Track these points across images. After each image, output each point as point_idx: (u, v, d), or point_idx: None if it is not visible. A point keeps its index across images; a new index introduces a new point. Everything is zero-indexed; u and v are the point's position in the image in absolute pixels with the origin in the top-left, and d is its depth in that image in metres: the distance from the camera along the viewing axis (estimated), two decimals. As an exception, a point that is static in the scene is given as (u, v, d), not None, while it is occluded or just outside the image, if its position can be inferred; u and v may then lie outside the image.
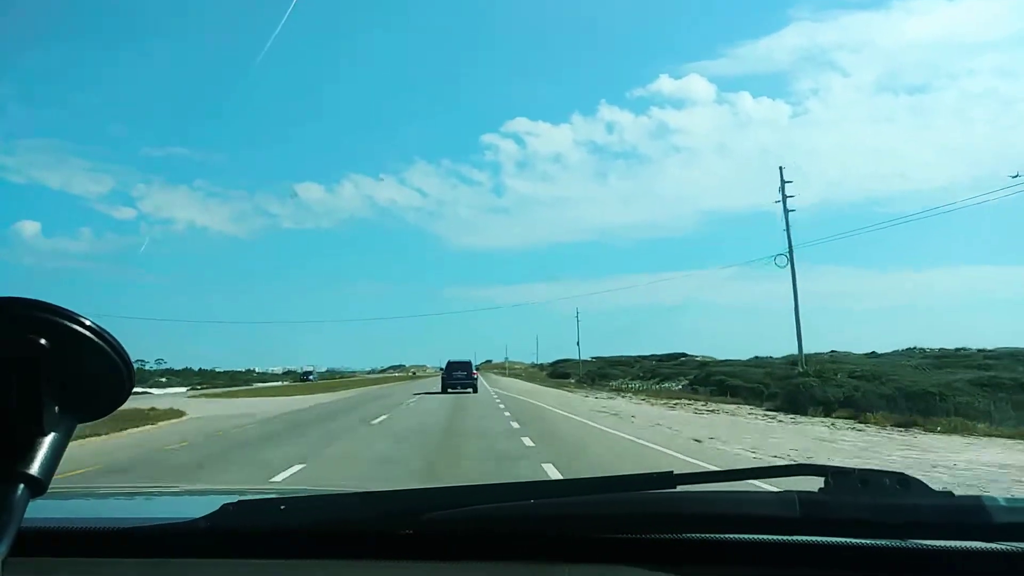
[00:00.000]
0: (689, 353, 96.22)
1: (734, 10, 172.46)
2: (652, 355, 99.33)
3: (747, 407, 24.72)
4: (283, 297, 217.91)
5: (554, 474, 9.15)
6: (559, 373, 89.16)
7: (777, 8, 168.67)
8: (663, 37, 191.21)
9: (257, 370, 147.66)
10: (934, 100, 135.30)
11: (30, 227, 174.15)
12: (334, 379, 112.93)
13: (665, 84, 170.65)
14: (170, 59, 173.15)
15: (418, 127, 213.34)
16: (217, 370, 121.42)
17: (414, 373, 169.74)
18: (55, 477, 0.66)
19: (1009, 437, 13.37)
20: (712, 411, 22.68)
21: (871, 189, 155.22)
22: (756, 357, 70.71)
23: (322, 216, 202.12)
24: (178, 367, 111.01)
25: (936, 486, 1.09)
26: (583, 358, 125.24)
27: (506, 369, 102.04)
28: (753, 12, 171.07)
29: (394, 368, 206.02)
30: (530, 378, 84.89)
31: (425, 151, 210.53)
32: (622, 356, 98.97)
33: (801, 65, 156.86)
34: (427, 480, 8.67)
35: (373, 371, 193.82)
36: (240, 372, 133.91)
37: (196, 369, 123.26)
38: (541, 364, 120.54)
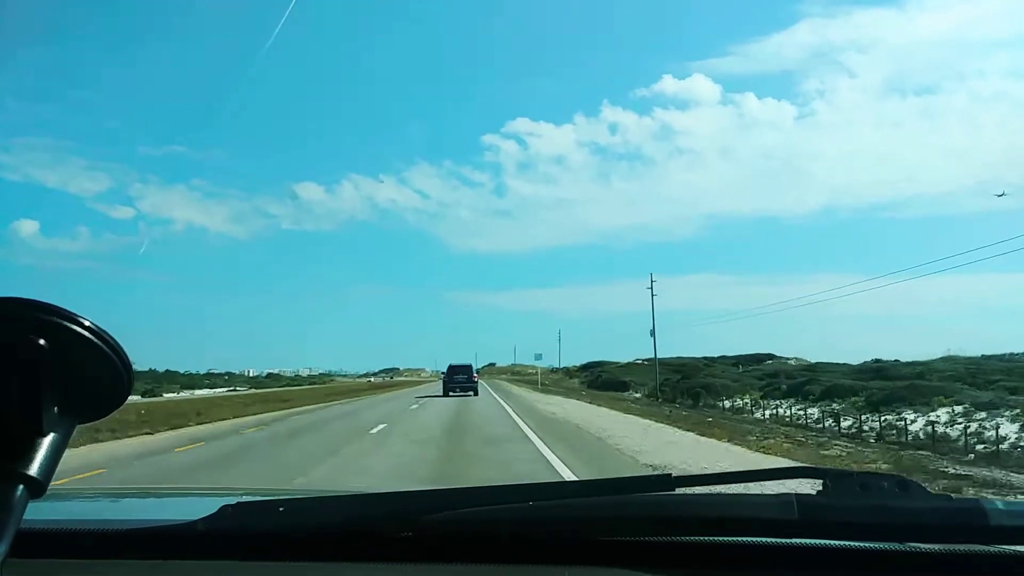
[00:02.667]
0: (778, 354, 79.00)
1: (745, 5, 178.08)
2: (723, 356, 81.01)
3: None
4: (282, 299, 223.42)
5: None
6: (607, 382, 57.28)
7: (789, 3, 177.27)
8: (669, 35, 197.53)
9: (251, 372, 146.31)
10: (943, 102, 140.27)
11: (28, 226, 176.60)
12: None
13: (669, 84, 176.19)
14: (168, 56, 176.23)
15: (419, 127, 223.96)
16: (181, 372, 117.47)
17: (391, 377, 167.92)
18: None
19: None
20: None
21: (876, 193, 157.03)
22: (877, 360, 53.65)
23: (322, 217, 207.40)
24: (160, 368, 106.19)
25: None
26: (622, 360, 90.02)
27: (541, 378, 71.88)
28: (764, 8, 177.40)
29: (386, 371, 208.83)
30: (556, 385, 68.31)
31: (426, 151, 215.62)
32: (685, 358, 78.00)
33: (810, 64, 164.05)
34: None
35: (368, 374, 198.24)
36: (201, 375, 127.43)
37: (162, 371, 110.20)
38: (567, 368, 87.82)
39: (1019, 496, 10.03)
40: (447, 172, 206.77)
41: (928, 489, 1.14)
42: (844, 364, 54.96)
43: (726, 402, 39.33)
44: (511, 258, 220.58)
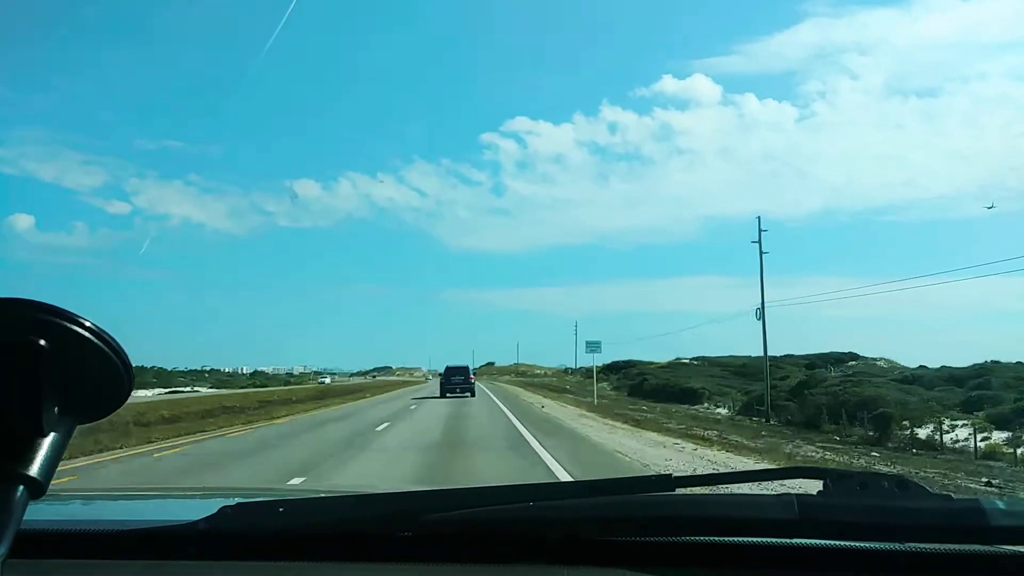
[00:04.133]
0: (861, 354, 64.92)
1: (750, 3, 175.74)
2: (788, 355, 62.64)
3: None
4: (278, 296, 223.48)
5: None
6: (658, 389, 35.31)
7: (794, 1, 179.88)
8: (670, 33, 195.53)
9: (245, 369, 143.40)
10: (944, 105, 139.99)
11: (23, 220, 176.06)
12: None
13: (669, 84, 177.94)
14: (166, 51, 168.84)
15: (417, 125, 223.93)
16: (168, 369, 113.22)
17: (373, 377, 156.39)
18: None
19: None
20: None
21: (875, 197, 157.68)
22: (994, 362, 42.97)
23: (319, 215, 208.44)
24: (147, 364, 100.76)
25: None
26: (657, 361, 72.64)
27: (558, 381, 54.82)
28: (769, 6, 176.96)
29: (379, 370, 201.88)
30: (581, 391, 51.14)
31: (424, 150, 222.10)
32: (741, 357, 64.08)
33: (812, 64, 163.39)
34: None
35: (361, 372, 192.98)
36: (177, 372, 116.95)
37: (135, 366, 78.29)
38: (588, 368, 70.62)
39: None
40: (445, 170, 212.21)
41: (928, 489, 1.19)
42: (945, 367, 46.13)
43: (914, 430, 22.08)
44: (509, 257, 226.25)
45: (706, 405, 41.12)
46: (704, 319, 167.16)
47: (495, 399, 38.44)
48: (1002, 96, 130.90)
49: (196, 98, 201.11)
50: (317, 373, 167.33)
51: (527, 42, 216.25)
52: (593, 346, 35.09)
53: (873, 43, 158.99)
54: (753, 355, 66.20)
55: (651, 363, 73.60)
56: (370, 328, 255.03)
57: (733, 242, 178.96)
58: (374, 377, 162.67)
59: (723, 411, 37.56)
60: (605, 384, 67.80)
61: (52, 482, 0.73)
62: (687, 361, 67.46)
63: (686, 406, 40.16)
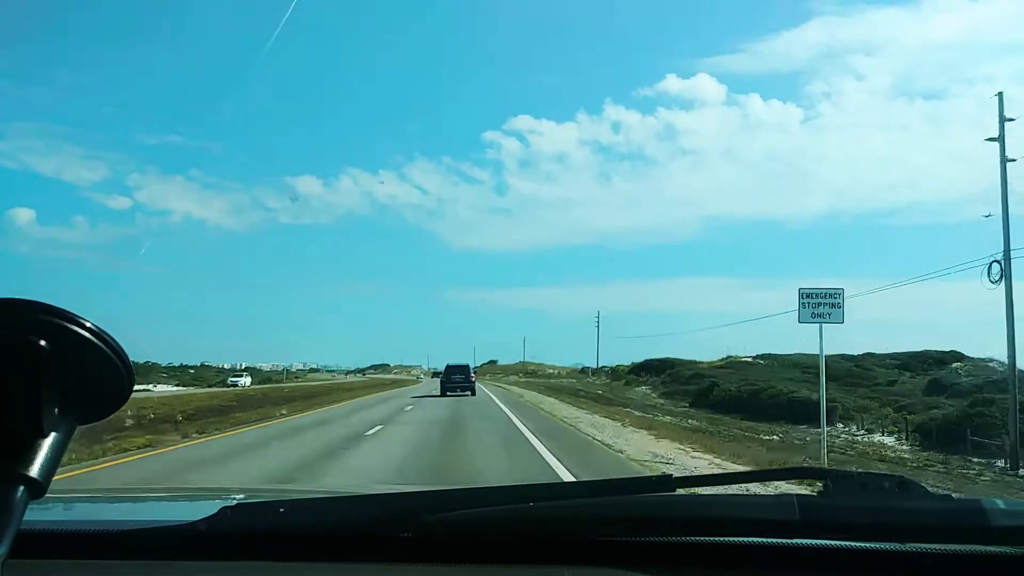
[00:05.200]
0: (967, 353, 52.39)
1: (757, 1, 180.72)
2: (870, 353, 54.51)
3: None
4: (278, 292, 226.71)
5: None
6: (736, 400, 18.19)
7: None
8: (675, 30, 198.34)
9: (242, 366, 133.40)
10: (950, 107, 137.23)
11: (24, 214, 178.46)
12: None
13: (673, 83, 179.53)
14: (168, 46, 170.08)
15: (419, 123, 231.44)
16: (162, 365, 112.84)
17: (362, 375, 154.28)
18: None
19: None
20: None
21: (879, 199, 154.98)
22: None
23: (320, 211, 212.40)
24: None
25: None
26: (700, 359, 58.05)
27: (571, 381, 42.06)
28: (776, 3, 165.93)
29: (375, 368, 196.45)
30: (616, 396, 42.16)
31: (426, 147, 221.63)
32: (806, 355, 50.23)
33: (818, 64, 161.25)
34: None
35: (358, 370, 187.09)
36: (162, 368, 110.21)
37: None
38: (614, 369, 54.42)
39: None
40: (447, 168, 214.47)
41: (929, 489, 1.24)
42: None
43: None
44: (511, 256, 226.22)
45: (841, 426, 27.18)
46: (703, 320, 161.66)
47: (531, 437, 16.34)
48: (1007, 99, 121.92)
49: (197, 94, 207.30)
50: (314, 370, 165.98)
51: (530, 40, 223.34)
52: (827, 302, 13.07)
53: (880, 43, 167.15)
54: (807, 352, 53.64)
55: (695, 362, 61.04)
56: (370, 325, 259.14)
57: (735, 243, 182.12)
58: (364, 375, 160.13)
59: (886, 440, 24.01)
60: (646, 388, 55.85)
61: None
62: (749, 359, 56.34)
63: (804, 427, 26.39)
